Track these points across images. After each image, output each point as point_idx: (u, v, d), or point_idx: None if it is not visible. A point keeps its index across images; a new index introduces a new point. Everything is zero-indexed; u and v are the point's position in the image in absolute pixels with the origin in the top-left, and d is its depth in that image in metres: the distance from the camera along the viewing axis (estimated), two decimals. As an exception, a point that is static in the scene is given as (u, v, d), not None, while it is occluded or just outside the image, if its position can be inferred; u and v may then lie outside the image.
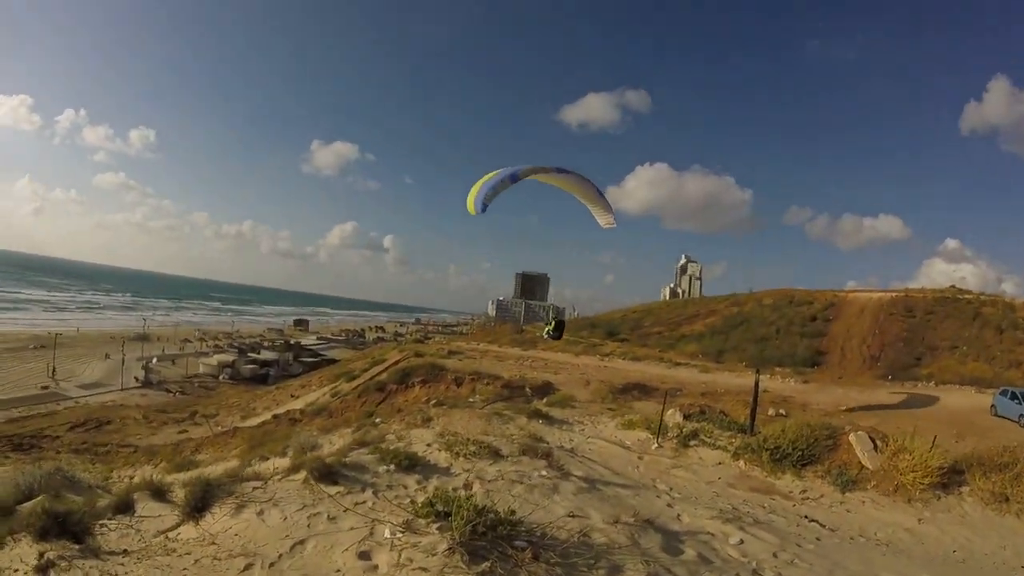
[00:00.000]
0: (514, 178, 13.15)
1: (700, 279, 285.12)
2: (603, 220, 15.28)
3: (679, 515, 8.78)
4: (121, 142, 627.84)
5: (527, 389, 35.15)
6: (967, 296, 64.95)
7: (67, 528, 6.21)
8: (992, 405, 33.72)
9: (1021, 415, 30.62)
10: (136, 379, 66.59)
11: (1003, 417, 32.03)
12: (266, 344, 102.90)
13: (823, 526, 10.44)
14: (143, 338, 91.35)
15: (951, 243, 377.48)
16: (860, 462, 13.36)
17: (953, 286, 70.64)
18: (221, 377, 74.34)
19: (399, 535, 5.76)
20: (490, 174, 13.20)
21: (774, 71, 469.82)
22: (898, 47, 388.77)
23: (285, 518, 6.48)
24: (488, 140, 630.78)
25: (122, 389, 62.49)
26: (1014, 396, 32.30)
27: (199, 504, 6.83)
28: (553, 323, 23.30)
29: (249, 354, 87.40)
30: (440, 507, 5.99)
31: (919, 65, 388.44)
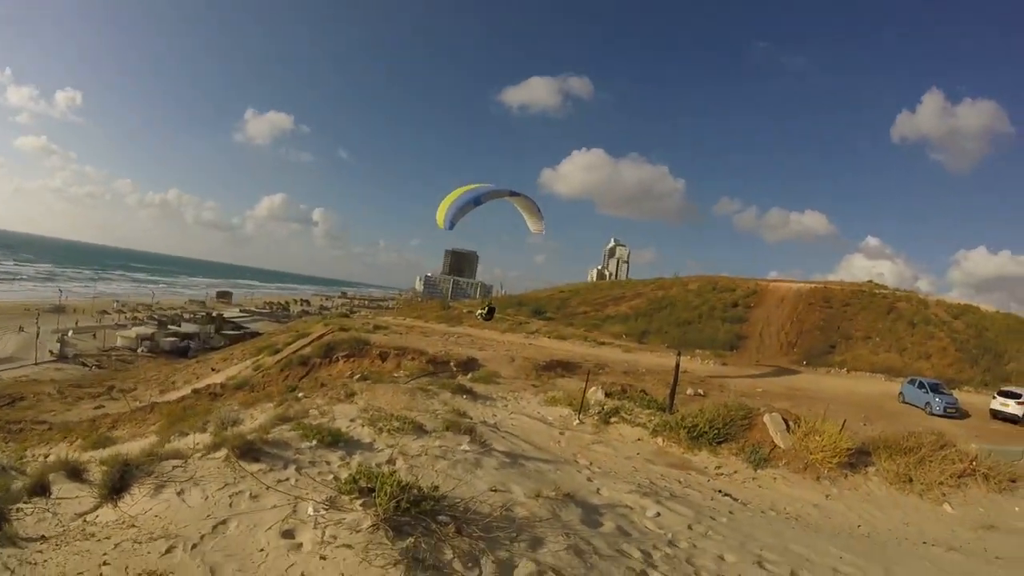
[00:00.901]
0: (477, 201, 14.69)
1: (628, 263, 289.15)
2: (535, 227, 16.73)
3: (599, 489, 9.02)
4: (46, 103, 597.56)
5: (452, 365, 35.23)
6: (883, 291, 67.80)
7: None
8: (900, 393, 35.56)
9: (927, 403, 32.29)
10: (51, 353, 63.80)
11: (910, 404, 33.83)
12: (187, 316, 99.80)
13: (736, 500, 10.88)
14: (59, 310, 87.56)
15: (872, 241, 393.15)
16: (773, 441, 13.93)
17: (871, 281, 73.47)
18: (140, 350, 71.81)
19: (323, 512, 5.77)
20: (457, 192, 14.65)
21: (718, 68, 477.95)
22: (843, 55, 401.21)
23: (206, 498, 6.38)
24: (428, 117, 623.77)
25: (36, 363, 59.76)
26: (921, 385, 34.11)
27: (117, 485, 6.66)
28: (487, 308, 23.89)
29: (169, 326, 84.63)
30: (364, 483, 6.01)
31: (859, 74, 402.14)
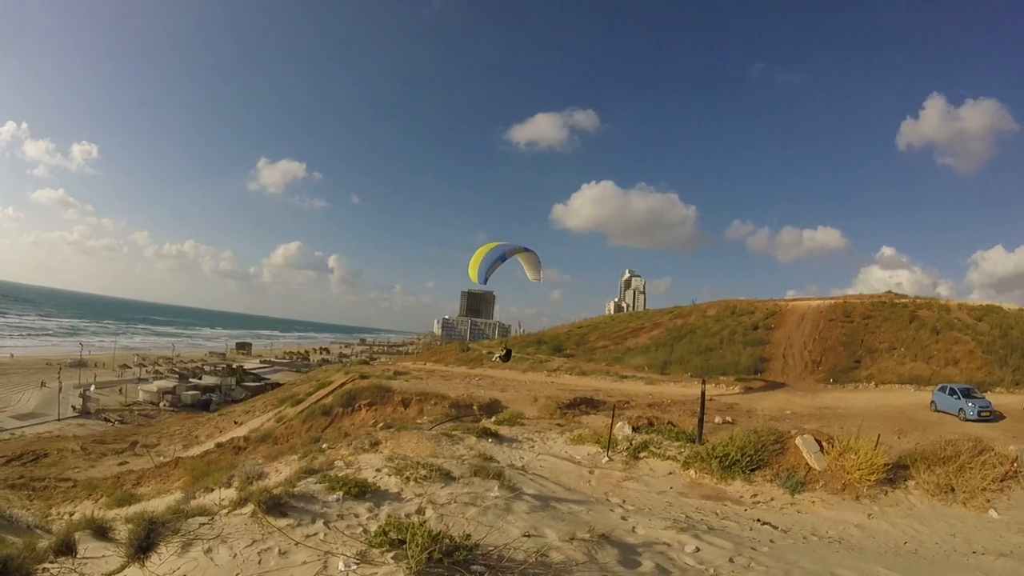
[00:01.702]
0: (503, 258, 15.75)
1: (644, 293, 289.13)
2: (533, 277, 17.79)
3: (634, 527, 8.79)
4: (62, 157, 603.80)
5: (475, 408, 35.14)
6: (903, 300, 67.42)
7: (7, 575, 5.90)
8: (932, 401, 35.07)
9: (960, 409, 31.86)
10: (73, 408, 64.16)
11: (943, 412, 33.41)
12: (208, 369, 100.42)
13: (776, 528, 10.57)
14: (80, 364, 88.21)
15: (887, 251, 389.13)
16: (808, 464, 13.61)
17: (890, 292, 73.50)
18: (162, 404, 72.15)
19: (354, 567, 5.63)
20: (484, 249, 15.74)
21: (719, 93, 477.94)
22: (840, 69, 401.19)
23: (234, 555, 6.24)
24: (437, 160, 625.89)
25: (59, 419, 60.09)
26: (952, 391, 33.60)
27: (144, 544, 6.51)
28: (504, 351, 24.14)
29: (190, 379, 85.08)
30: (394, 535, 5.88)
31: (859, 85, 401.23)
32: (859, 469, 12.88)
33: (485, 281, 15.48)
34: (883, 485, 12.75)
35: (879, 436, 14.95)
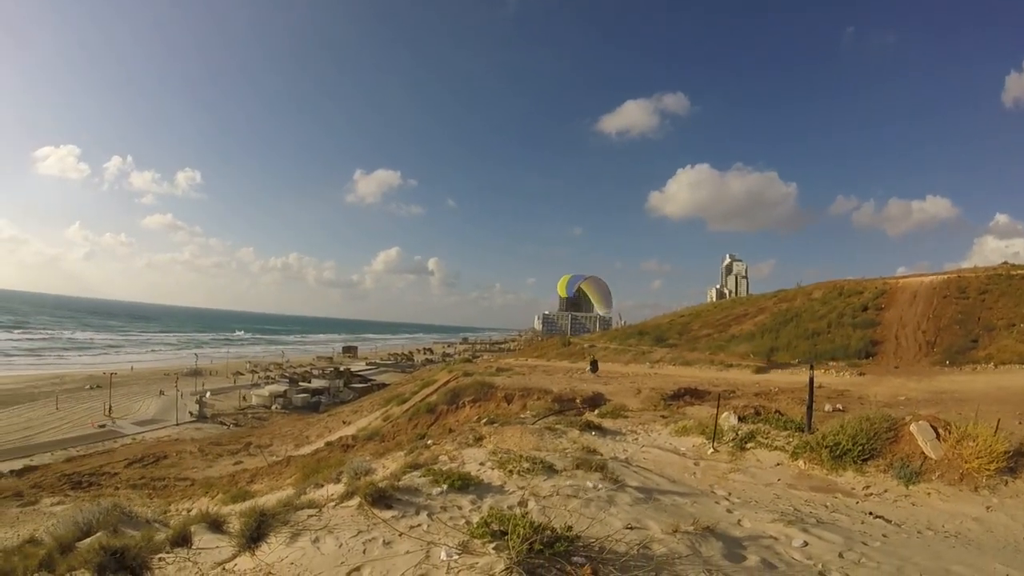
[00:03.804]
0: (583, 278, 16.76)
1: (747, 278, 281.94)
2: (603, 311, 17.80)
3: (739, 520, 8.60)
4: (168, 184, 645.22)
5: (577, 401, 35.01)
6: (1021, 271, 63.10)
7: (125, 563, 6.27)
8: (1056, 383, 32.78)
9: (1087, 390, 29.68)
10: (191, 414, 67.78)
11: (1069, 394, 31.07)
12: (316, 372, 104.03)
13: (888, 522, 10.14)
14: (196, 373, 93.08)
15: (1001, 218, 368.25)
16: (923, 453, 12.97)
17: (1006, 262, 68.93)
18: (273, 407, 75.27)
19: (455, 557, 5.72)
20: (568, 276, 17.30)
21: (810, 62, 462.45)
22: (933, 26, 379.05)
23: (340, 545, 6.47)
24: (529, 157, 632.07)
25: (177, 424, 63.64)
26: (1078, 371, 31.35)
27: (255, 534, 6.85)
28: (591, 363, 24.54)
29: (300, 383, 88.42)
30: (496, 526, 5.94)
31: (956, 42, 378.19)
32: (978, 457, 12.16)
33: (572, 294, 15.96)
34: (1003, 475, 11.97)
35: (999, 421, 14.13)
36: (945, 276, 66.69)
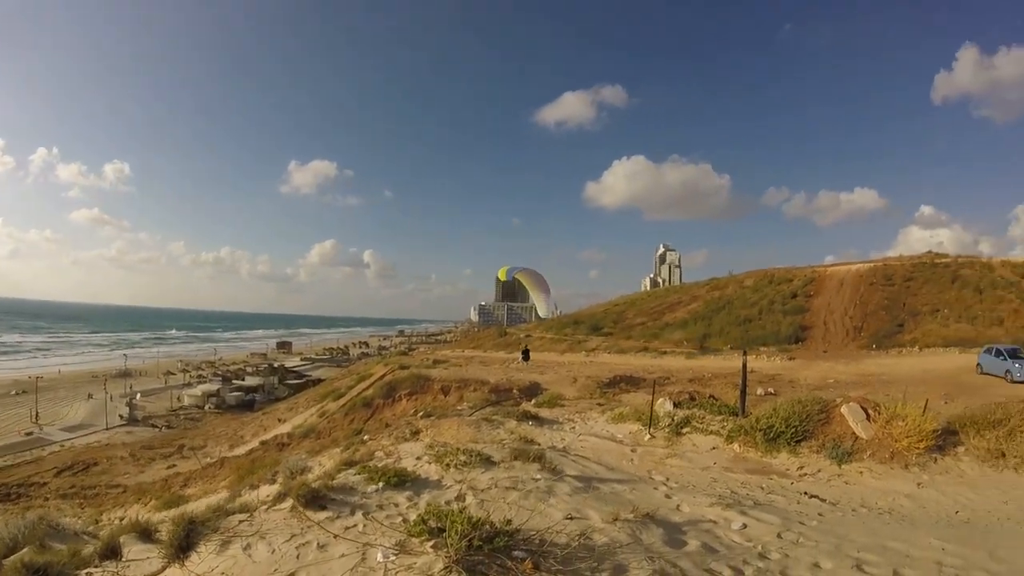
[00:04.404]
0: (522, 269, 17.64)
1: (680, 267, 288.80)
2: (543, 310, 18.14)
3: (678, 505, 8.63)
4: (95, 177, 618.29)
5: (515, 392, 35.19)
6: (944, 260, 66.13)
7: (51, 581, 5.96)
8: (978, 364, 34.27)
9: (1007, 371, 31.07)
10: (121, 417, 65.61)
11: (989, 374, 32.59)
12: (250, 370, 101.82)
13: (823, 501, 10.34)
14: (125, 374, 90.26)
15: (927, 210, 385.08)
16: (854, 433, 13.29)
17: (930, 252, 72.27)
18: (207, 407, 73.43)
19: (392, 558, 5.54)
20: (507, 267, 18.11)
21: (747, 58, 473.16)
22: (868, 24, 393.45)
23: (273, 551, 6.21)
24: (467, 146, 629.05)
25: (107, 428, 61.49)
26: (999, 353, 32.81)
27: (184, 544, 6.56)
28: (523, 351, 24.82)
29: (234, 381, 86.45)
30: (433, 523, 5.79)
31: (889, 40, 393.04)
32: (907, 436, 12.53)
33: (511, 278, 16.24)
34: (932, 452, 12.37)
35: (927, 401, 14.58)
36: (871, 264, 69.32)
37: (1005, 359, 31.90)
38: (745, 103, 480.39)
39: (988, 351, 34.20)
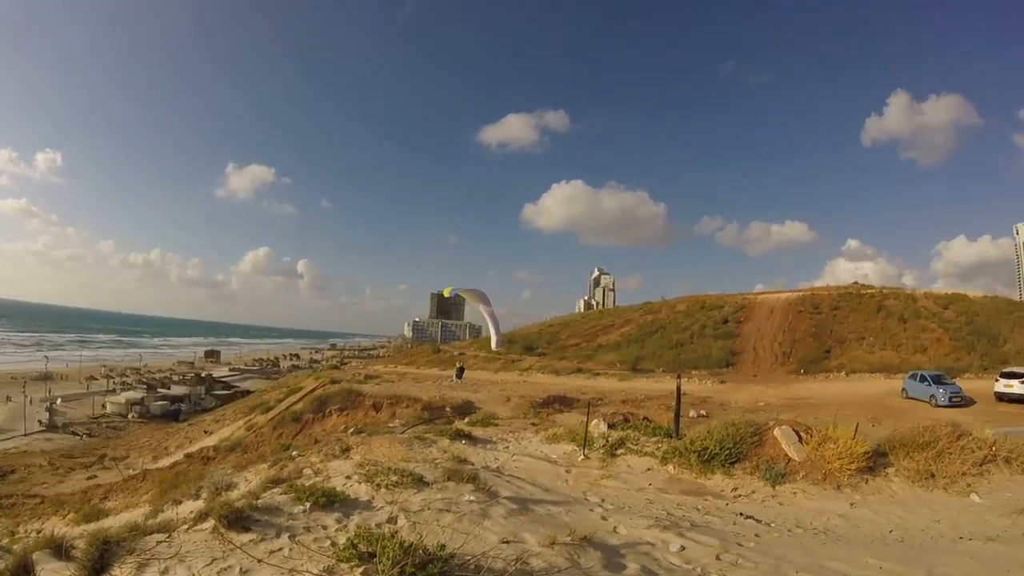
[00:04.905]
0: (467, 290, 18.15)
1: (614, 290, 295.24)
2: (494, 344, 18.44)
3: (616, 527, 8.55)
4: (25, 165, 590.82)
5: (448, 410, 34.92)
6: (870, 290, 68.68)
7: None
8: (903, 389, 35.55)
9: (931, 395, 32.35)
10: (40, 423, 62.62)
11: (914, 399, 33.91)
12: (176, 378, 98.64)
13: (759, 522, 10.38)
14: (46, 377, 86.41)
15: (853, 243, 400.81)
16: (787, 455, 13.45)
17: (856, 282, 74.87)
18: (130, 416, 70.65)
19: (319, 585, 5.27)
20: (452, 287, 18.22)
21: (689, 92, 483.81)
22: (807, 66, 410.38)
23: None
24: (408, 161, 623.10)
25: (25, 434, 58.64)
26: (923, 378, 34.17)
27: (97, 565, 6.15)
28: (457, 369, 24.89)
29: (159, 390, 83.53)
30: (364, 548, 5.53)
31: (825, 83, 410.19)
32: (839, 458, 12.76)
33: (454, 294, 16.33)
34: (863, 473, 12.62)
35: (857, 424, 14.88)
36: (800, 293, 71.55)
37: (929, 384, 33.20)
38: (684, 134, 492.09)
39: (913, 376, 35.50)
